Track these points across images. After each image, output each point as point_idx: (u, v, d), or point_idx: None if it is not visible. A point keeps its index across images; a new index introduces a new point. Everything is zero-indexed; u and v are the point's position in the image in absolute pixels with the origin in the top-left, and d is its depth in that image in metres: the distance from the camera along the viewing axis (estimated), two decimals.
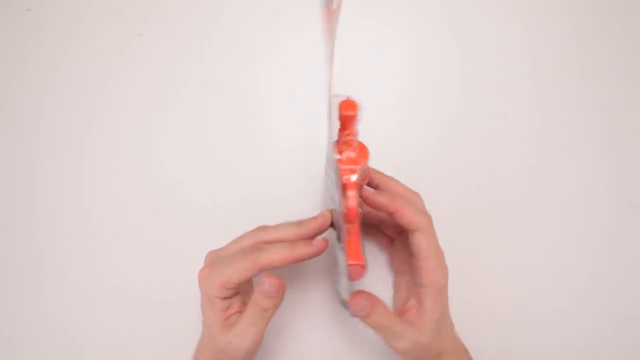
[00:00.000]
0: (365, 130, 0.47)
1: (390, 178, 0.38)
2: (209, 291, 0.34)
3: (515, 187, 0.45)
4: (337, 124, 0.33)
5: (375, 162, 0.45)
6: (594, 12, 0.49)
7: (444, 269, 0.35)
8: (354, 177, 0.34)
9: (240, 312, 0.35)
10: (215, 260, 0.35)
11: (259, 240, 0.35)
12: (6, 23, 0.50)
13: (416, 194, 0.37)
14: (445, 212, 0.44)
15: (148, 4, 0.49)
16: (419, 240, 0.34)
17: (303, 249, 0.34)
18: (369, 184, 0.37)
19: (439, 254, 0.35)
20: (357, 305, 0.33)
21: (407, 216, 0.34)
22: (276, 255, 0.33)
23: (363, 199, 0.35)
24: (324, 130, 0.34)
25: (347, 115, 0.33)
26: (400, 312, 0.36)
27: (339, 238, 0.35)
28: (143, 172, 0.46)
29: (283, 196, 0.44)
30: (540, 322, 0.42)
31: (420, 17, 0.49)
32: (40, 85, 0.48)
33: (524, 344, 0.42)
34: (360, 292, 0.34)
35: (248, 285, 0.38)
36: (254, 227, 0.36)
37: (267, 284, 0.33)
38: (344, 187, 0.33)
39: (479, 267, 0.43)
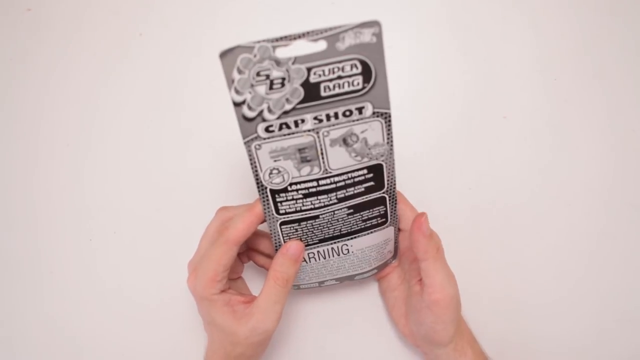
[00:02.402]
0: None
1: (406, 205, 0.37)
2: (204, 293, 0.34)
3: (515, 187, 0.45)
4: None
5: None
6: (595, 11, 0.49)
7: (452, 286, 0.35)
8: None
9: (244, 302, 0.35)
10: (195, 264, 0.35)
11: (222, 221, 0.35)
12: (6, 23, 0.50)
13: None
14: (445, 211, 0.44)
15: (148, 4, 0.49)
16: (428, 268, 0.34)
17: (261, 204, 0.33)
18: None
19: (447, 273, 0.35)
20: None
21: (419, 245, 0.34)
22: (241, 223, 0.33)
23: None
24: None
25: None
26: None
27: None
28: (143, 172, 0.46)
29: None
30: (540, 322, 0.42)
31: (421, 17, 0.49)
32: (41, 85, 0.48)
33: (523, 344, 0.42)
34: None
35: (235, 275, 0.38)
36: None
37: (293, 247, 0.34)
38: None
39: (479, 267, 0.43)
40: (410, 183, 0.42)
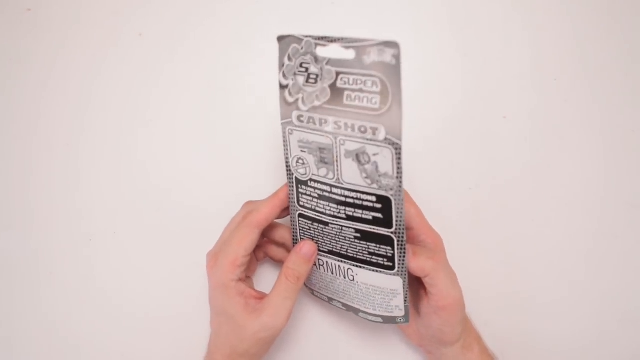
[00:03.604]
0: None
1: (418, 214, 0.36)
2: (222, 277, 0.34)
3: (515, 187, 0.45)
4: None
5: None
6: (594, 11, 0.49)
7: (458, 297, 0.35)
8: None
9: (257, 297, 0.35)
10: (215, 251, 0.36)
11: (246, 211, 0.36)
12: (6, 23, 0.50)
13: (437, 237, 0.37)
14: (445, 211, 0.44)
15: (148, 4, 0.49)
16: (433, 280, 0.34)
17: (286, 189, 0.35)
18: None
19: (451, 277, 0.35)
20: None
21: (420, 260, 0.34)
22: (265, 207, 0.35)
23: None
24: None
25: None
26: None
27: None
28: (143, 172, 0.46)
29: None
30: (541, 321, 0.42)
31: (420, 17, 0.49)
32: (40, 85, 0.48)
33: (524, 344, 0.42)
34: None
35: (250, 272, 0.38)
36: None
37: (306, 246, 0.35)
38: None
39: (479, 266, 0.43)
40: (410, 183, 0.42)
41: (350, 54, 0.29)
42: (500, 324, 0.42)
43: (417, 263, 0.33)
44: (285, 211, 0.36)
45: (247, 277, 0.38)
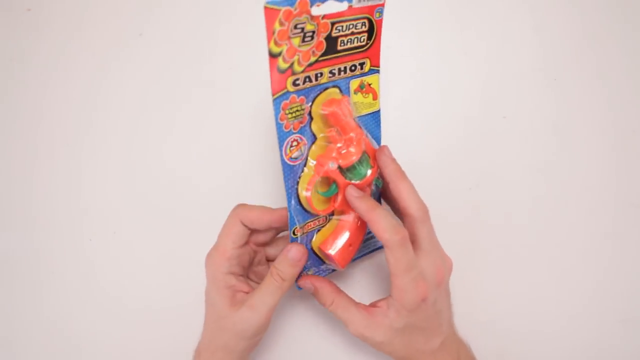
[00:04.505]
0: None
1: (403, 180, 0.36)
2: (214, 269, 0.35)
3: (515, 187, 0.45)
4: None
5: None
6: (594, 12, 0.49)
7: (416, 286, 0.33)
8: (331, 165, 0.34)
9: (248, 292, 0.36)
10: (214, 245, 0.37)
11: (236, 206, 0.37)
12: (6, 23, 0.50)
13: (421, 209, 0.35)
14: (444, 211, 0.44)
15: (148, 4, 0.49)
16: (387, 257, 0.33)
17: (285, 212, 0.35)
18: (381, 177, 0.37)
19: (410, 271, 0.33)
20: (306, 284, 0.36)
21: (377, 231, 0.33)
22: (256, 209, 0.35)
23: (347, 199, 0.35)
24: None
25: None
26: (370, 305, 0.36)
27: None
28: (143, 172, 0.46)
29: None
30: (541, 321, 0.42)
31: (421, 17, 0.49)
32: (40, 85, 0.48)
33: (524, 344, 0.42)
34: (313, 279, 0.36)
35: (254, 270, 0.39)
36: None
37: (293, 250, 0.34)
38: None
39: (479, 265, 0.43)
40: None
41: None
42: (500, 324, 0.42)
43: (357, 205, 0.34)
44: (277, 228, 0.37)
45: (244, 274, 0.38)
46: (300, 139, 0.34)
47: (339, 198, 0.35)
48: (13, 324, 0.43)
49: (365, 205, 0.33)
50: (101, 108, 0.48)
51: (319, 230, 0.37)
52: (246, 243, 0.36)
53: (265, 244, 0.38)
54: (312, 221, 0.36)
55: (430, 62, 0.48)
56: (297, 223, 0.35)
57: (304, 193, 0.35)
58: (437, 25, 0.49)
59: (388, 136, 0.46)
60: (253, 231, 0.36)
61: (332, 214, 0.37)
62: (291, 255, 0.34)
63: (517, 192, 0.45)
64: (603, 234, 0.44)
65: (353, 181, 0.34)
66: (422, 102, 0.47)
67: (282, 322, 0.43)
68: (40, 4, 0.50)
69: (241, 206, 0.36)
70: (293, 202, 0.35)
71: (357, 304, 0.35)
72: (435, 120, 0.47)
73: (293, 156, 0.34)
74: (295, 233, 0.36)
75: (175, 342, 0.42)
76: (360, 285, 0.43)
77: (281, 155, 0.34)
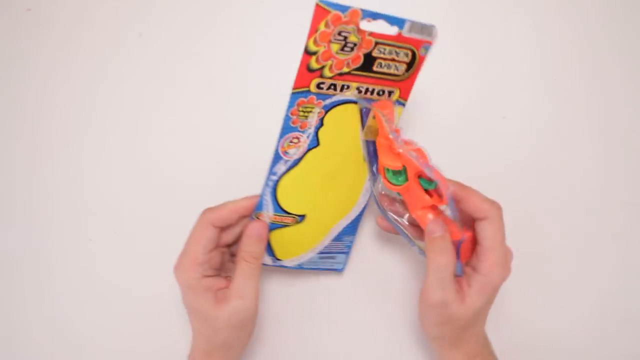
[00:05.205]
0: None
1: (467, 188, 0.36)
2: (185, 277, 0.35)
3: (514, 187, 0.45)
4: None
5: None
6: (594, 11, 0.49)
7: (505, 267, 0.34)
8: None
9: (227, 286, 0.36)
10: (181, 252, 0.37)
11: (204, 210, 0.37)
12: (6, 23, 0.50)
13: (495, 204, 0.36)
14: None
15: (148, 4, 0.49)
16: (483, 230, 0.34)
17: (252, 200, 0.36)
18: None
19: (504, 250, 0.34)
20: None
21: (475, 203, 0.34)
22: (224, 208, 0.36)
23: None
24: None
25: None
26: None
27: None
28: (143, 172, 0.46)
29: None
30: (541, 321, 0.42)
31: (421, 17, 0.49)
32: (40, 85, 0.48)
33: (524, 344, 0.42)
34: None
35: (225, 274, 0.39)
36: None
37: (254, 227, 0.36)
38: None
39: None
40: None
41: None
42: (500, 324, 0.42)
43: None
44: (246, 217, 0.37)
45: (216, 274, 0.37)
46: (302, 139, 0.35)
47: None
48: (13, 324, 0.43)
49: (456, 185, 0.35)
50: (101, 108, 0.48)
51: (283, 227, 0.38)
52: (216, 246, 0.36)
53: (232, 244, 0.39)
54: (281, 216, 0.37)
55: (430, 62, 0.48)
56: (264, 210, 0.37)
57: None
58: (438, 25, 0.49)
59: None
60: (222, 230, 0.37)
61: (303, 216, 0.38)
62: (255, 232, 0.35)
63: (516, 192, 0.45)
64: (603, 234, 0.44)
65: (390, 180, 0.35)
66: (422, 102, 0.47)
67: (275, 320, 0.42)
68: (40, 4, 0.50)
69: (208, 210, 0.36)
70: (269, 193, 0.36)
71: None
72: (434, 120, 0.47)
73: (288, 151, 0.35)
74: (259, 217, 0.37)
75: (176, 342, 0.42)
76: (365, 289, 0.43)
77: (277, 145, 0.35)
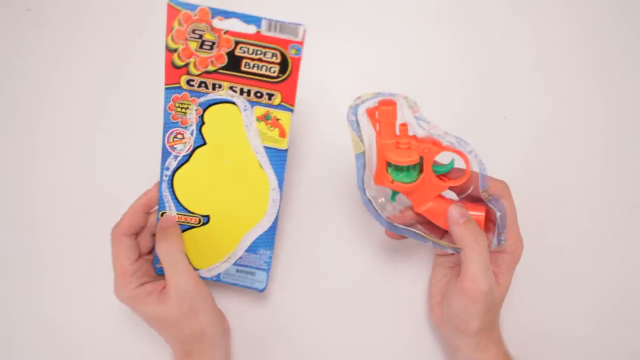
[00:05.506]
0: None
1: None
2: (124, 292, 0.35)
3: (514, 187, 0.45)
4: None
5: None
6: (594, 11, 0.49)
7: (522, 241, 0.36)
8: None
9: (162, 288, 0.36)
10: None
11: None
12: (6, 23, 0.50)
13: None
14: None
15: (148, 4, 0.49)
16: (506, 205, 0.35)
17: (148, 193, 0.38)
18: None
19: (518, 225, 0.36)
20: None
21: (491, 184, 0.35)
22: (127, 214, 0.37)
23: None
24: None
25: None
26: None
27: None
28: (143, 171, 0.46)
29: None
30: (541, 322, 0.42)
31: (421, 17, 0.49)
32: (40, 85, 0.48)
33: (524, 345, 0.42)
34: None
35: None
36: None
37: (161, 220, 0.37)
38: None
39: None
40: None
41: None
42: (500, 325, 0.42)
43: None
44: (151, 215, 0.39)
45: (153, 280, 0.38)
46: (185, 135, 0.37)
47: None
48: (13, 324, 0.43)
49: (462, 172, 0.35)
50: (101, 107, 0.48)
51: (189, 229, 0.39)
52: (139, 256, 0.37)
53: (152, 250, 0.39)
54: (184, 215, 0.38)
55: (430, 62, 0.48)
56: (166, 209, 0.38)
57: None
58: (438, 25, 0.49)
59: None
60: (137, 237, 0.37)
61: (207, 217, 0.38)
62: (163, 224, 0.37)
63: (516, 192, 0.45)
64: (603, 234, 0.44)
65: (401, 180, 0.34)
66: (422, 102, 0.47)
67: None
68: (40, 4, 0.50)
69: (115, 225, 0.37)
70: (166, 188, 0.38)
71: None
72: (435, 120, 0.47)
73: (175, 146, 0.37)
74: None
75: None
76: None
77: (163, 140, 0.37)
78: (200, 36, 0.33)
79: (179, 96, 0.36)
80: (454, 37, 0.49)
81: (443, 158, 0.35)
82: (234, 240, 0.39)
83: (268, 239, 0.39)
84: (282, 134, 0.36)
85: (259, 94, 0.35)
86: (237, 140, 0.37)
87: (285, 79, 0.35)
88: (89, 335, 0.43)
